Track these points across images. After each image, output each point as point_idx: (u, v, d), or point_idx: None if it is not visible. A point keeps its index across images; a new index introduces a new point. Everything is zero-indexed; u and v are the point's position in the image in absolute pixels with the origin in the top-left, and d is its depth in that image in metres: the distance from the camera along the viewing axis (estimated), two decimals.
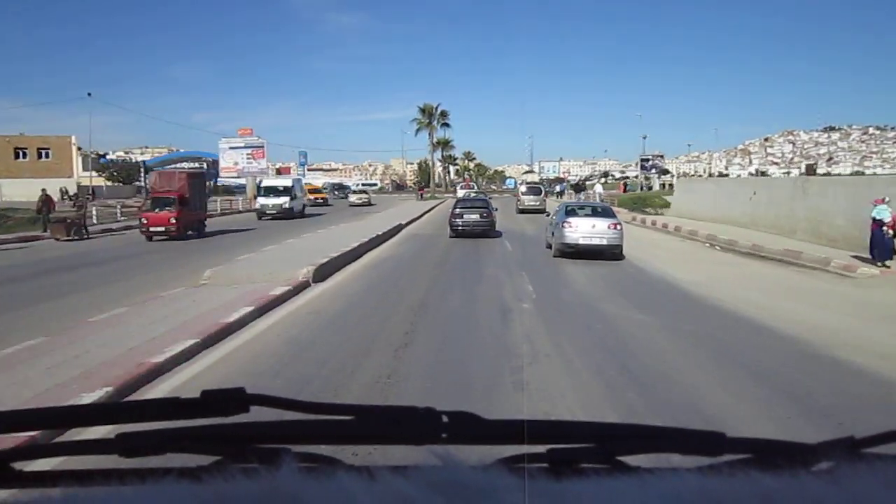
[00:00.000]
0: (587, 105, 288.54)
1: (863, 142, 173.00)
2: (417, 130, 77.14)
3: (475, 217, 21.28)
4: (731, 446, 0.78)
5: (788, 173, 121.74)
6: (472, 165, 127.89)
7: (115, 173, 56.62)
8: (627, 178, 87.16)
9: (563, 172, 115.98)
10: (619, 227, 16.26)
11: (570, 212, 17.06)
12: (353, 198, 49.47)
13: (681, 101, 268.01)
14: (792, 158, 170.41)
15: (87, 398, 5.10)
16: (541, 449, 0.79)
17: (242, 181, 53.08)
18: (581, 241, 15.98)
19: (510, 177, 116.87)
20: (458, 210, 21.70)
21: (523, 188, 40.18)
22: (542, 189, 40.89)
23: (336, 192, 61.13)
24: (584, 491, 0.70)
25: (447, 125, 79.14)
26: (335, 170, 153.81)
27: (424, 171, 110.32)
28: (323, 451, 0.81)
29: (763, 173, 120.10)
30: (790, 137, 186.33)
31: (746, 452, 0.78)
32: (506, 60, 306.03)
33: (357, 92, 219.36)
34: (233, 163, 55.02)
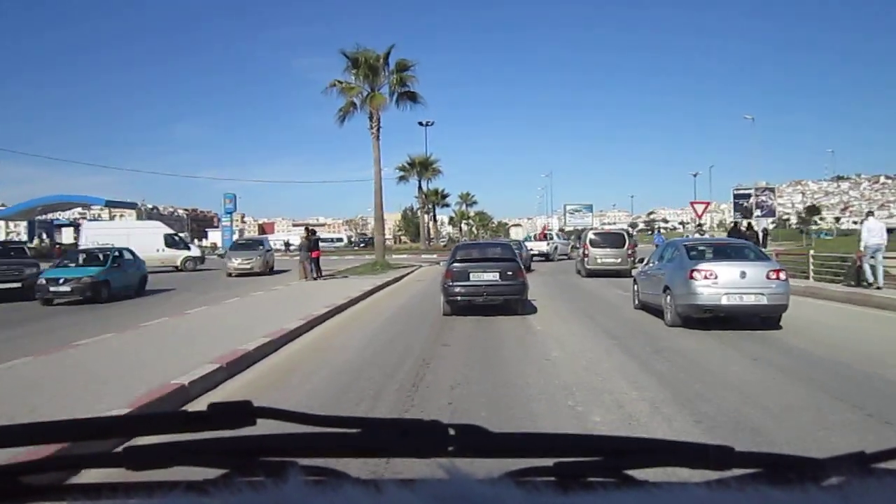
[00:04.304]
0: (594, 158, 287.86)
1: (876, 190, 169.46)
2: (344, 116, 28.21)
3: (491, 277, 11.69)
4: (739, 460, 0.76)
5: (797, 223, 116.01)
6: (472, 213, 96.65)
7: None
8: (738, 222, 46.28)
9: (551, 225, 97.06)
10: (782, 275, 9.99)
11: (696, 253, 10.78)
12: None
13: (681, 151, 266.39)
14: (803, 208, 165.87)
15: None
16: (548, 462, 0.77)
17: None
18: (725, 301, 9.67)
19: (516, 225, 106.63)
20: (458, 266, 11.97)
21: (592, 235, 23.70)
22: (626, 239, 23.65)
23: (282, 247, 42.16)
24: None
25: (412, 96, 28.99)
26: (323, 224, 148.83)
27: (410, 220, 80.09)
28: (330, 465, 0.79)
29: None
30: (798, 187, 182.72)
31: (755, 467, 0.76)
32: (509, 110, 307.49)
33: (356, 148, 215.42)
34: None
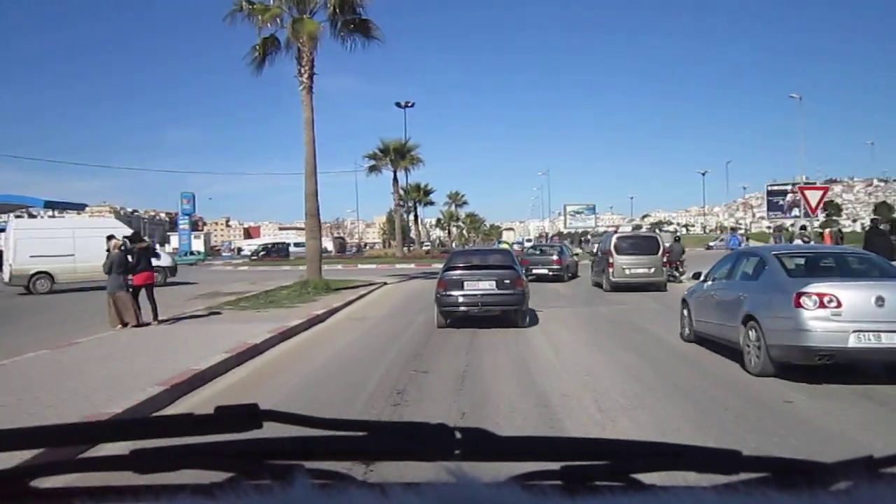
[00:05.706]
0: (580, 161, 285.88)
1: (869, 193, 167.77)
2: (262, 57, 18.35)
3: (487, 286, 10.81)
4: (747, 465, 0.75)
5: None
6: (462, 214, 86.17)
7: None
8: (876, 219, 23.77)
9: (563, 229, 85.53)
10: None
11: (797, 268, 7.41)
12: None
13: (679, 153, 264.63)
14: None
15: None
16: (555, 466, 0.76)
17: None
18: (854, 343, 6.35)
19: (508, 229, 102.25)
20: (454, 274, 11.09)
21: (617, 240, 18.68)
22: (660, 243, 18.88)
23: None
24: None
25: (363, 28, 18.52)
26: None
27: (393, 222, 61.50)
28: (336, 468, 0.79)
29: (781, 227, 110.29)
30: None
31: (763, 471, 0.75)
32: (501, 110, 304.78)
33: (351, 151, 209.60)
34: None
